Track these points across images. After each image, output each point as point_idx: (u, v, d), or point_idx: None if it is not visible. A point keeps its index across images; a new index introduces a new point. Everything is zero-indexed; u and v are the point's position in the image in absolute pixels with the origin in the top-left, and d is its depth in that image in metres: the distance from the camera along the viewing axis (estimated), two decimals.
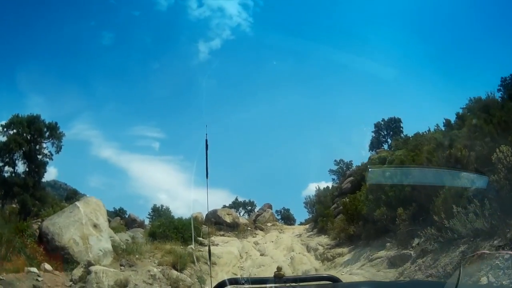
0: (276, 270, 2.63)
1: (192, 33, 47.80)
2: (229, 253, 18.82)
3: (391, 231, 14.45)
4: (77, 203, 13.60)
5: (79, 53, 47.12)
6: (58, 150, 32.52)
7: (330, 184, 30.45)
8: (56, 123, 31.89)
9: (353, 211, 17.59)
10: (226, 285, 2.32)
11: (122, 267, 11.81)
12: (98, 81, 50.30)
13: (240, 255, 20.16)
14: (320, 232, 22.28)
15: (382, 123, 38.95)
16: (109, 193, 50.43)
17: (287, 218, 36.37)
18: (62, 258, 11.36)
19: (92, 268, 10.48)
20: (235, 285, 2.47)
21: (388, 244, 13.86)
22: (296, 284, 2.53)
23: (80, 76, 50.31)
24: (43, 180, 31.74)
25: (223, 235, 23.51)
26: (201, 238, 20.46)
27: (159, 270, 11.93)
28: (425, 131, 22.46)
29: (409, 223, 13.68)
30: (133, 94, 51.87)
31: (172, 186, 49.82)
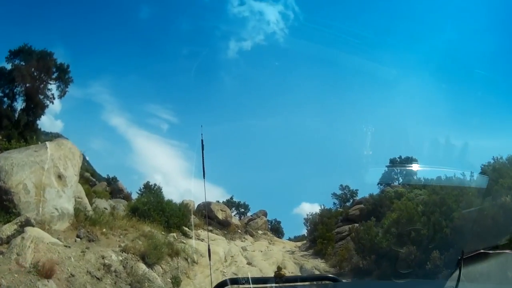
0: (276, 270, 2.37)
1: (226, 29, 45.37)
2: (214, 253, 15.40)
3: (415, 276, 11.10)
4: (47, 142, 10.29)
5: (114, 18, 44.63)
6: (62, 95, 29.28)
7: (319, 208, 26.78)
8: (67, 66, 28.55)
9: (366, 242, 14.16)
10: (227, 285, 2.22)
11: (77, 240, 8.49)
12: (126, 50, 47.78)
13: (225, 258, 16.74)
14: (316, 255, 18.83)
15: (398, 160, 35.75)
16: (107, 159, 47.57)
17: (276, 230, 32.84)
18: (1, 204, 8.08)
19: (28, 230, 7.16)
20: (235, 285, 2.30)
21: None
22: (297, 284, 2.54)
23: (110, 41, 47.81)
24: (43, 130, 28.86)
25: (211, 231, 20.07)
26: (186, 228, 17.07)
27: (121, 258, 8.37)
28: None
29: (443, 269, 10.36)
30: (155, 72, 49.38)
31: (170, 170, 46.83)
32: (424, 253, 11.28)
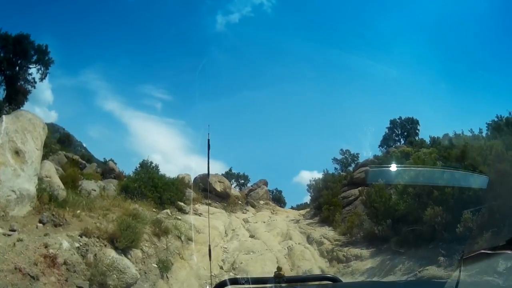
0: (276, 270, 2.31)
1: (212, 3, 42.80)
2: (213, 227, 13.82)
3: (443, 241, 9.55)
4: (3, 116, 8.36)
5: (99, 4, 41.76)
6: (42, 78, 27.08)
7: (321, 176, 25.18)
8: (46, 46, 26.15)
9: (380, 205, 12.56)
10: (227, 285, 2.18)
11: (39, 226, 6.75)
12: (115, 34, 45.32)
13: (225, 232, 15.21)
14: (323, 222, 17.32)
15: (399, 121, 33.94)
16: (105, 144, 46.15)
17: (278, 200, 31.53)
18: None
19: None
20: (235, 285, 2.27)
21: (442, 258, 8.85)
22: (297, 284, 2.52)
23: (98, 26, 45.20)
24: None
25: (209, 204, 18.47)
26: (182, 203, 15.42)
27: (78, 245, 6.40)
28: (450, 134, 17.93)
29: (478, 233, 8.79)
30: (146, 53, 47.40)
31: (168, 149, 45.40)
32: (451, 214, 9.66)
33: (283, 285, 2.27)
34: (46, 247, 5.56)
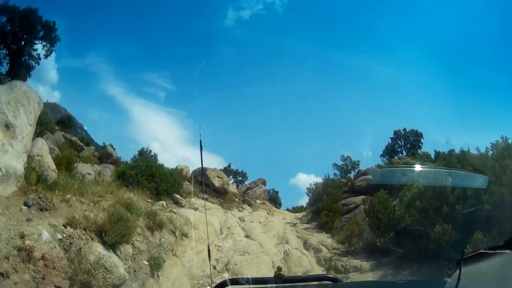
0: (276, 270, 2.29)
1: None
2: (208, 224, 13.22)
3: (449, 261, 8.99)
4: None
5: None
6: (47, 55, 26.40)
7: (319, 179, 24.64)
8: (53, 23, 25.50)
9: (384, 217, 11.99)
10: (227, 285, 2.17)
11: (23, 209, 6.13)
12: (123, 19, 44.72)
13: (220, 230, 14.63)
14: (321, 228, 16.75)
15: (402, 132, 33.36)
16: (104, 129, 45.67)
17: (274, 200, 30.98)
18: None
19: None
20: (235, 285, 2.30)
21: (448, 279, 8.27)
22: (297, 284, 2.52)
23: (107, 10, 44.57)
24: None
25: (206, 199, 17.87)
26: (178, 196, 14.83)
27: (61, 237, 5.56)
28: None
29: None
30: (152, 40, 46.95)
31: (167, 138, 44.91)
32: (460, 232, 9.09)
33: (283, 285, 2.27)
34: (22, 237, 4.76)
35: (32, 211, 6.19)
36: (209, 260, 3.73)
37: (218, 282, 2.25)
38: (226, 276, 9.53)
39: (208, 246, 3.55)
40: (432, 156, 22.31)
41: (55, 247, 5.18)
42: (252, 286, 2.28)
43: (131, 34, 46.32)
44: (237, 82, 47.09)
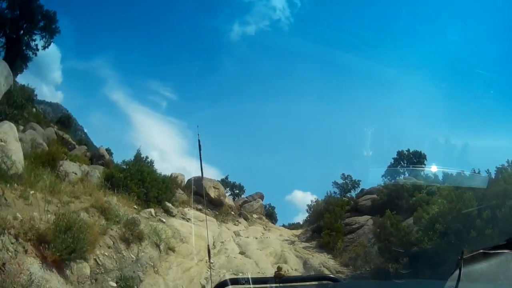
0: (276, 269, 2.21)
1: (231, 12, 41.99)
2: (200, 236, 11.67)
3: None
4: None
5: None
6: (46, 46, 25.12)
7: (314, 197, 23.27)
8: (54, 13, 24.23)
9: (396, 240, 10.51)
10: (227, 285, 2.10)
11: None
12: (130, 26, 44.38)
13: (213, 244, 13.08)
14: (321, 248, 15.21)
15: (406, 153, 32.08)
16: (105, 133, 44.48)
17: (270, 216, 29.38)
18: None
19: None
20: (236, 285, 2.18)
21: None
22: (297, 284, 2.45)
23: (115, 16, 44.21)
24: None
25: (200, 210, 16.33)
26: (169, 204, 13.34)
27: None
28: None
29: None
30: (158, 50, 46.47)
31: (166, 148, 43.67)
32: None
33: (283, 285, 2.18)
34: None
35: None
36: (209, 259, 4.45)
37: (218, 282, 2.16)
38: None
39: (208, 246, 3.39)
40: (440, 178, 21.05)
41: None
42: (252, 286, 2.19)
43: (137, 41, 45.85)
44: (239, 97, 46.35)
